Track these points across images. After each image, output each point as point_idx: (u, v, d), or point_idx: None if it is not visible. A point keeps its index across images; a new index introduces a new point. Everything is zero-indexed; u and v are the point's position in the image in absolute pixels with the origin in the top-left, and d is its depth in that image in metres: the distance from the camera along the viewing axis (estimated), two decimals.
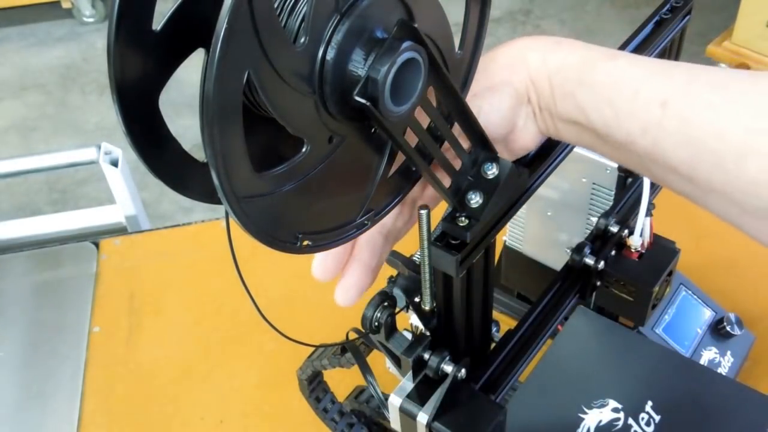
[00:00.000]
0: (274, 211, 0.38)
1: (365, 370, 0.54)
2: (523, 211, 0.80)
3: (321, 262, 0.48)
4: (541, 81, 0.45)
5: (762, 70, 0.42)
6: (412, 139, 0.41)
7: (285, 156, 0.38)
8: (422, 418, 0.48)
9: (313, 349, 0.63)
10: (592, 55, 0.45)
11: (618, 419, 0.56)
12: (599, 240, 0.65)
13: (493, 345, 0.57)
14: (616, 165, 0.69)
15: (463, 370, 0.50)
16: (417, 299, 0.52)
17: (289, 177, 0.38)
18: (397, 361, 0.50)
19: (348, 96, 0.37)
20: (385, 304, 0.49)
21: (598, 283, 0.65)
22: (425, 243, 0.45)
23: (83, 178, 2.19)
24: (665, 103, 0.41)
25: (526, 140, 0.48)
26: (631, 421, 0.56)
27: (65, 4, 2.82)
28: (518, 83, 0.46)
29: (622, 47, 0.59)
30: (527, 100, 0.47)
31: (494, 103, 0.46)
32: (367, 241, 0.49)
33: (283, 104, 0.35)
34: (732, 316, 0.80)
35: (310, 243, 0.40)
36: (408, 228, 0.51)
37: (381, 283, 0.53)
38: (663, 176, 0.43)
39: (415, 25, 0.38)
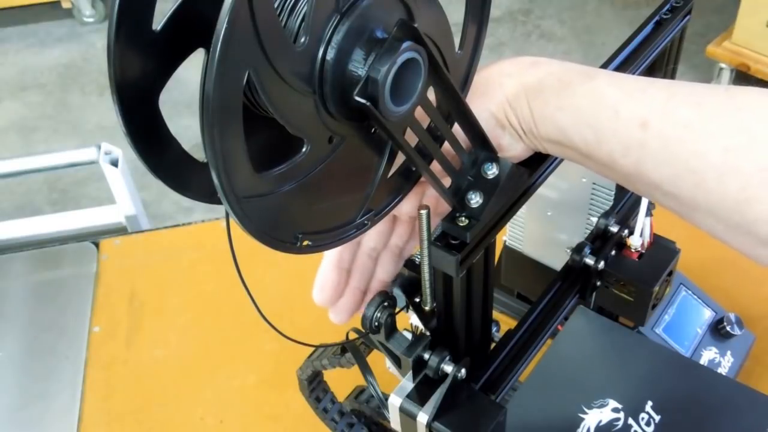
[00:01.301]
0: (274, 211, 0.38)
1: (365, 370, 0.54)
2: (523, 211, 0.80)
3: (320, 290, 0.50)
4: (520, 105, 0.45)
5: (742, 86, 0.42)
6: (412, 139, 0.41)
7: (285, 156, 0.38)
8: (422, 418, 0.48)
9: (313, 349, 0.63)
10: (569, 76, 0.45)
11: (618, 419, 0.56)
12: (599, 240, 0.65)
13: (493, 345, 0.57)
14: None
15: (463, 370, 0.50)
16: (417, 299, 0.52)
17: (289, 177, 0.38)
18: (397, 361, 0.50)
19: (348, 96, 0.37)
20: (385, 304, 0.49)
21: (598, 283, 0.65)
22: (425, 243, 0.45)
23: (83, 178, 2.19)
24: (645, 123, 0.41)
25: (514, 156, 0.49)
26: (631, 421, 0.56)
27: (65, 4, 2.82)
28: (495, 108, 0.46)
29: (623, 47, 0.59)
30: (507, 123, 0.47)
31: None
32: (357, 267, 0.50)
33: (283, 104, 0.35)
34: (732, 315, 0.79)
35: (310, 243, 0.40)
36: (412, 246, 0.51)
37: None
38: (648, 193, 0.44)
39: (415, 25, 0.38)
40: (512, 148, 0.48)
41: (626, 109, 0.42)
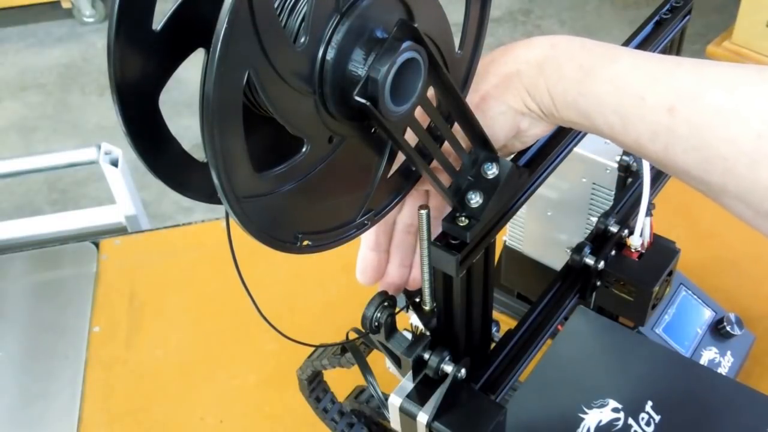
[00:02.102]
0: (274, 211, 0.38)
1: (365, 370, 0.54)
2: (523, 211, 0.80)
3: (362, 272, 0.52)
4: (539, 92, 0.45)
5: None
6: (412, 139, 0.41)
7: (285, 156, 0.38)
8: (422, 418, 0.48)
9: (313, 349, 0.63)
10: (590, 60, 0.43)
11: (618, 419, 0.56)
12: (599, 240, 0.65)
13: (493, 345, 0.57)
14: (616, 165, 0.69)
15: (463, 370, 0.50)
16: (417, 299, 0.52)
17: (289, 177, 0.38)
18: (397, 361, 0.50)
19: (348, 96, 0.37)
20: (385, 304, 0.49)
21: (598, 283, 0.65)
22: (425, 243, 0.45)
23: (83, 178, 2.19)
24: (673, 109, 0.40)
25: (536, 134, 0.48)
26: (631, 421, 0.56)
27: (65, 4, 2.82)
28: (513, 100, 0.46)
29: None
30: (527, 110, 0.46)
31: (487, 122, 0.45)
32: (397, 245, 0.51)
33: (283, 104, 0.35)
34: (732, 316, 0.79)
35: (310, 243, 0.40)
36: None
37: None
38: (678, 176, 0.43)
39: (415, 25, 0.38)
40: (534, 127, 0.47)
41: (652, 94, 0.40)
